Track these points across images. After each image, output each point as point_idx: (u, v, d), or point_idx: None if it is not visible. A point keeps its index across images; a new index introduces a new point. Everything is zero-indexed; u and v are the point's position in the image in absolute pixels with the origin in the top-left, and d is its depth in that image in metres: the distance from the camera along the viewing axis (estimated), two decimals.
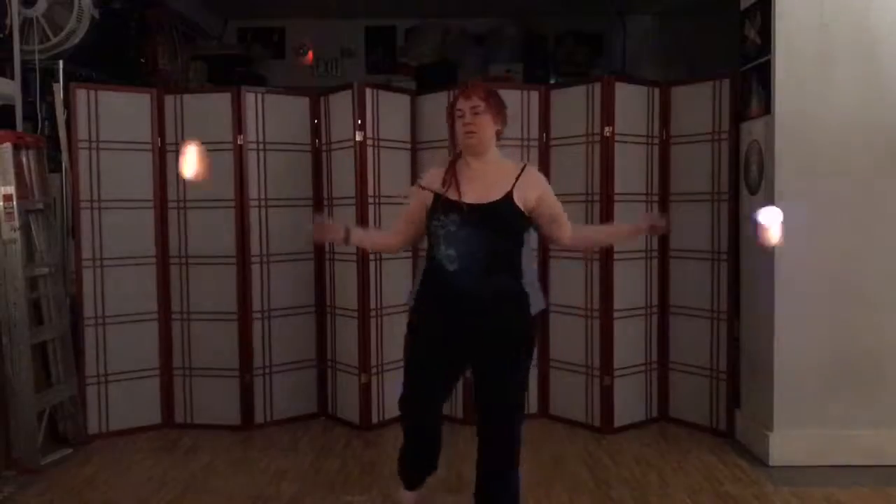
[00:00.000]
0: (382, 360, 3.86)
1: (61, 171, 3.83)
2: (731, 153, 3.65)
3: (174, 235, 3.89)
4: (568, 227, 2.62)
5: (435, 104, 3.79)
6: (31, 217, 3.50)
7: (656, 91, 3.87)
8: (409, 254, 3.85)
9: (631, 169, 3.78)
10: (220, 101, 3.86)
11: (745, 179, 3.57)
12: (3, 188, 3.30)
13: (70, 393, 3.60)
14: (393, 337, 3.81)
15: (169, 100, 3.88)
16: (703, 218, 3.77)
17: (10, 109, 3.75)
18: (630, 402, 3.86)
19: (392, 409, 3.79)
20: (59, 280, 3.64)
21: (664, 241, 3.90)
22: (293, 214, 3.96)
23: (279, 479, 3.21)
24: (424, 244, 2.61)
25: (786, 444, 3.30)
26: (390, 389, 3.81)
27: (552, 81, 6.28)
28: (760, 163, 3.42)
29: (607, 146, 3.70)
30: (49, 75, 3.88)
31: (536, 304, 2.56)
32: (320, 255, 4.03)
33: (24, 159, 3.49)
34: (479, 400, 2.63)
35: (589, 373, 3.83)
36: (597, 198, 3.73)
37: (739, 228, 3.65)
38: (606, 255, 3.73)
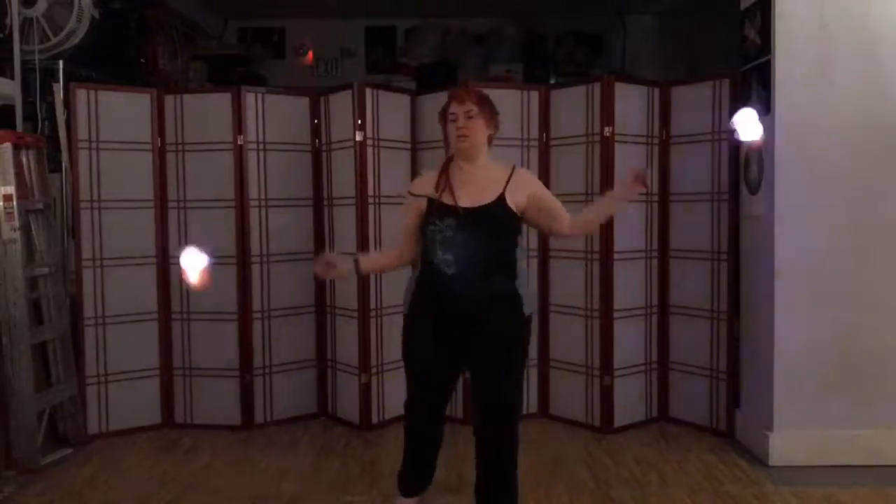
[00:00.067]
0: (382, 360, 3.86)
1: (61, 171, 3.83)
2: (731, 153, 3.65)
3: (174, 235, 3.88)
4: (566, 217, 2.63)
5: (435, 104, 3.74)
6: (31, 217, 3.50)
7: (656, 91, 3.87)
8: None
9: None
10: (220, 101, 3.86)
11: (745, 179, 3.57)
12: (3, 188, 3.30)
13: (70, 393, 3.60)
14: (393, 337, 3.77)
15: (169, 100, 3.88)
16: (703, 218, 3.77)
17: (10, 109, 3.75)
18: (630, 402, 3.86)
19: (392, 409, 3.81)
20: (59, 280, 3.64)
21: (664, 241, 3.90)
22: (293, 214, 3.96)
23: (279, 479, 3.21)
24: None
25: (786, 444, 3.30)
26: (390, 389, 3.81)
27: (552, 81, 6.29)
28: (760, 163, 3.42)
29: (607, 146, 3.70)
30: (49, 75, 3.88)
31: (529, 304, 2.58)
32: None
33: (24, 159, 3.49)
34: (476, 400, 2.65)
35: (589, 373, 3.83)
36: (597, 198, 3.72)
37: (739, 228, 3.65)
38: (606, 256, 3.73)
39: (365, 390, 3.82)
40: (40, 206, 3.55)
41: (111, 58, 4.39)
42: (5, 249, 3.30)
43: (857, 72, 3.27)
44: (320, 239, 4.02)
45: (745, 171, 3.58)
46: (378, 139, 3.83)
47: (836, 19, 3.25)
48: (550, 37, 6.67)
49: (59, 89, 3.81)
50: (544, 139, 3.93)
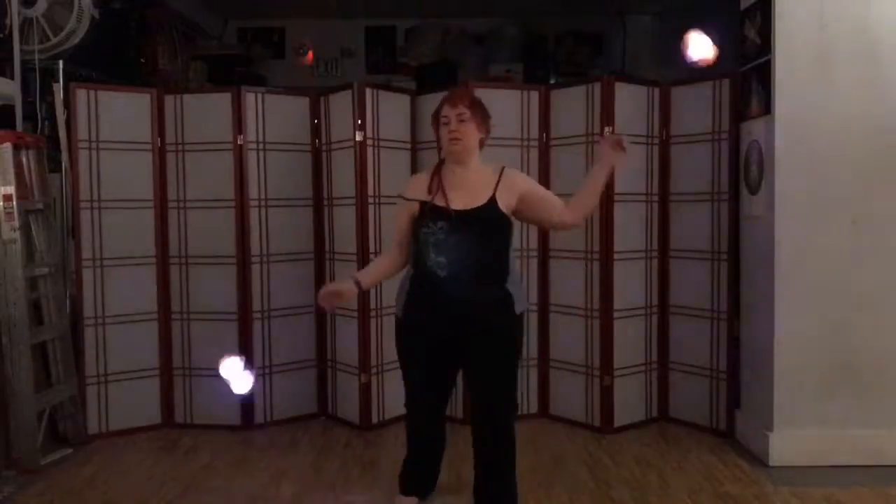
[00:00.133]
0: (382, 360, 3.86)
1: (61, 171, 3.83)
2: (731, 153, 3.65)
3: (174, 235, 3.89)
4: (560, 204, 2.65)
5: (435, 104, 3.75)
6: (31, 217, 3.50)
7: (656, 91, 3.87)
8: None
9: (631, 169, 3.77)
10: (220, 101, 3.85)
11: (745, 179, 3.57)
12: (3, 188, 3.30)
13: (70, 393, 3.60)
14: (392, 337, 3.80)
15: (169, 100, 3.88)
16: (703, 218, 3.77)
17: (10, 109, 3.75)
18: (630, 402, 3.85)
19: (392, 409, 3.81)
20: (59, 280, 3.64)
21: (664, 241, 3.90)
22: (293, 214, 3.96)
23: (279, 479, 3.20)
24: None
25: (786, 444, 3.30)
26: (390, 389, 3.81)
27: (552, 81, 6.29)
28: (760, 163, 3.42)
29: None
30: (49, 75, 3.88)
31: (521, 304, 2.60)
32: (320, 255, 4.03)
33: (24, 159, 3.49)
34: (472, 400, 2.67)
35: (589, 373, 3.83)
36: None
37: (739, 228, 3.65)
38: (606, 256, 3.73)
39: (365, 390, 3.82)
40: (40, 206, 3.55)
41: (111, 58, 4.39)
42: (5, 249, 3.30)
43: (857, 72, 3.27)
44: (320, 239, 4.02)
45: (745, 171, 3.58)
46: (378, 139, 3.83)
47: (836, 20, 3.25)
48: (550, 37, 6.68)
49: (59, 89, 3.81)
50: (544, 139, 3.93)
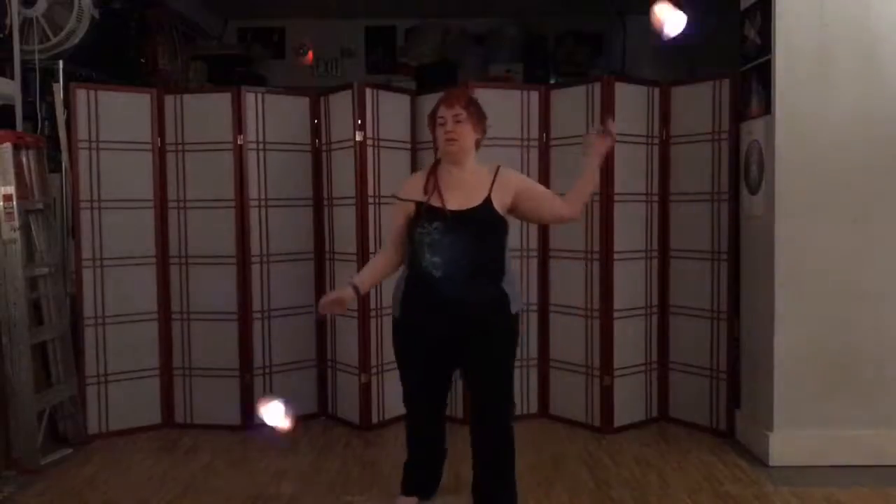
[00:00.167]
0: (382, 360, 3.85)
1: (61, 171, 3.83)
2: (731, 153, 3.65)
3: (174, 235, 3.89)
4: (557, 197, 2.67)
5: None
6: (31, 217, 3.50)
7: (656, 91, 3.87)
8: None
9: (631, 169, 3.78)
10: (220, 101, 3.85)
11: (745, 179, 3.57)
12: (3, 188, 3.30)
13: (70, 393, 3.60)
14: None
15: (169, 100, 3.88)
16: (703, 218, 3.76)
17: (10, 109, 3.75)
18: (630, 402, 3.85)
19: (392, 409, 3.81)
20: (59, 280, 3.64)
21: (664, 240, 3.90)
22: (293, 214, 3.96)
23: (279, 479, 3.20)
24: None
25: (786, 444, 3.30)
26: (390, 389, 3.81)
27: (552, 81, 6.29)
28: (760, 163, 3.42)
29: None
30: (49, 75, 3.89)
31: (516, 303, 2.61)
32: (320, 255, 4.03)
33: (24, 159, 3.49)
34: (470, 400, 2.68)
35: (589, 373, 3.83)
36: (597, 198, 3.71)
37: (739, 228, 3.65)
38: (606, 255, 3.73)
39: (365, 390, 3.82)
40: (40, 206, 3.55)
41: (111, 58, 4.39)
42: (5, 249, 3.30)
43: (858, 71, 3.26)
44: (320, 239, 4.02)
45: (745, 170, 3.58)
46: (378, 139, 3.83)
47: (836, 19, 3.25)
48: (550, 37, 6.67)
49: (59, 89, 3.81)
50: (544, 139, 3.93)
